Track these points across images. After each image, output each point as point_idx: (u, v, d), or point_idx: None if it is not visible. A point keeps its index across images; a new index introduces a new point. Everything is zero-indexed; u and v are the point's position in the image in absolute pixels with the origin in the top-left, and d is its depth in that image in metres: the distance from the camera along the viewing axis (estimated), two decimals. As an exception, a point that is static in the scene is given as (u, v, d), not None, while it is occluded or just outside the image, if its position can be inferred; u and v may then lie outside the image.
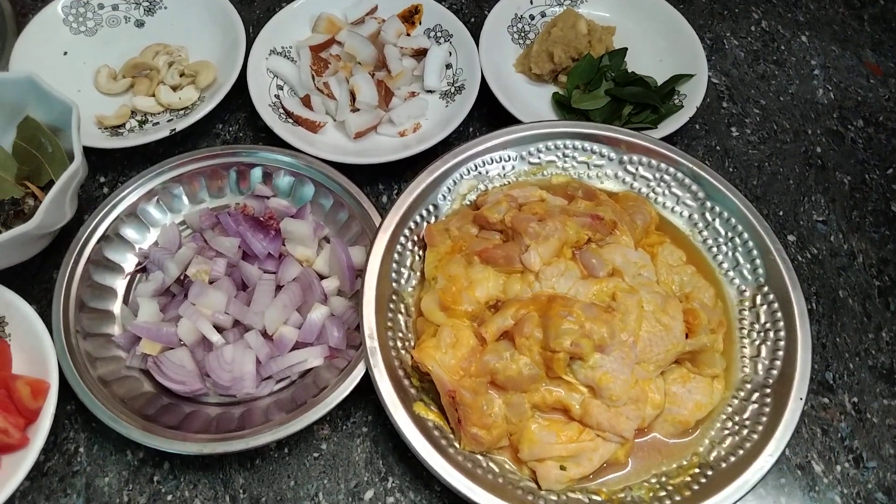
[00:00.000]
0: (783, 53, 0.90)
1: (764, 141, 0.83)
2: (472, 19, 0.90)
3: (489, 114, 0.81)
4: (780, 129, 0.84)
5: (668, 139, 0.76)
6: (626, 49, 0.83)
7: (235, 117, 0.81)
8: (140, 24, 0.85)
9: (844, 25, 0.93)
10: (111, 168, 0.77)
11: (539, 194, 0.71)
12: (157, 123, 0.78)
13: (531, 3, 0.87)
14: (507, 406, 0.59)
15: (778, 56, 0.90)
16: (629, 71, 0.82)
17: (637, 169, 0.74)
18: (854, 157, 0.82)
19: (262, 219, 0.70)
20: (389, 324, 0.64)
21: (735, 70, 0.88)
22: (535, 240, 0.64)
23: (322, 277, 0.68)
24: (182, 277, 0.66)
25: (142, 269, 0.69)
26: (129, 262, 0.70)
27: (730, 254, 0.70)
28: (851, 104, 0.86)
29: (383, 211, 0.69)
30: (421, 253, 0.69)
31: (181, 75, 0.80)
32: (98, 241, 0.68)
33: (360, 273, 0.66)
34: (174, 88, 0.79)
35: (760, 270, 0.67)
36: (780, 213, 0.78)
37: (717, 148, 0.82)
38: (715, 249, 0.71)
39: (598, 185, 0.75)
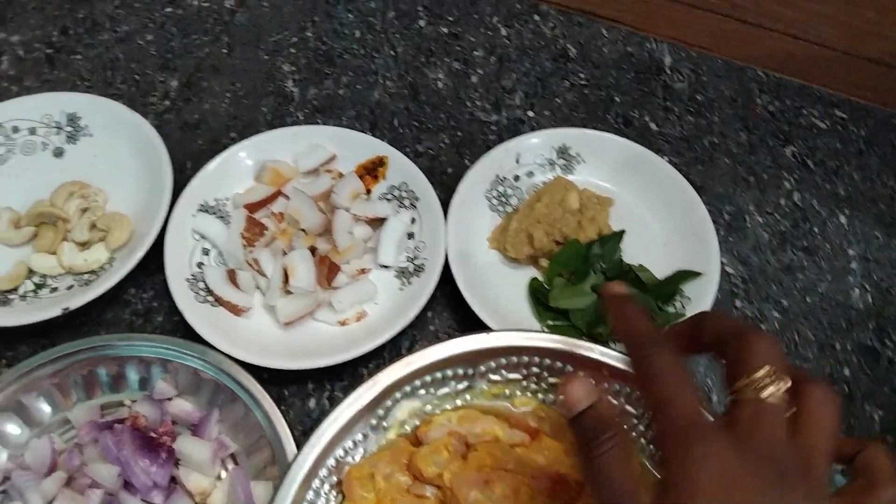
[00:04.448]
0: (816, 238, 0.79)
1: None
2: (450, 169, 0.80)
3: (453, 294, 0.70)
4: (802, 341, 0.72)
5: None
6: (622, 233, 0.73)
7: (152, 281, 0.71)
8: (59, 153, 0.77)
9: (893, 204, 0.82)
10: (-4, 339, 0.67)
11: (493, 432, 0.60)
12: (56, 289, 0.69)
13: (517, 161, 0.76)
14: None
15: (809, 241, 0.78)
16: (623, 261, 0.71)
17: (620, 401, 0.62)
18: (890, 385, 0.71)
19: (154, 434, 0.60)
20: None
21: (755, 257, 0.77)
22: (476, 513, 0.53)
23: (218, 516, 0.58)
24: (48, 512, 0.57)
25: (3, 492, 0.59)
26: (-6, 473, 0.60)
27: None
28: (893, 312, 0.74)
29: (302, 434, 0.59)
30: (341, 500, 0.58)
31: (92, 227, 0.70)
32: (-42, 446, 0.59)
33: (261, 521, 0.56)
34: (82, 245, 0.69)
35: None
36: (795, 457, 0.65)
37: (724, 362, 0.70)
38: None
39: (571, 416, 0.63)
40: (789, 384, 0.37)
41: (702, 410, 0.37)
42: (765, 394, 0.36)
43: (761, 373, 0.37)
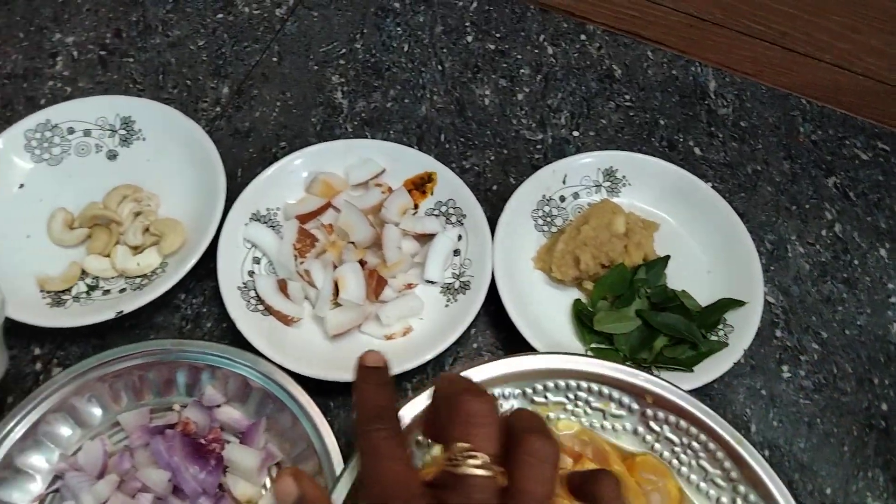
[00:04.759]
0: (856, 270, 0.79)
1: (819, 388, 0.71)
2: (495, 186, 0.80)
3: (497, 312, 0.71)
4: (840, 375, 0.72)
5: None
6: (667, 258, 0.73)
7: (202, 287, 0.72)
8: (112, 155, 0.77)
9: (933, 239, 0.82)
10: (49, 338, 0.68)
11: (537, 454, 0.61)
12: (109, 292, 0.70)
13: (563, 182, 0.77)
14: None
15: (849, 273, 0.78)
16: (668, 287, 0.71)
17: (662, 428, 0.63)
18: (928, 422, 0.70)
19: (203, 441, 0.61)
20: None
21: (796, 287, 0.77)
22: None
23: (264, 525, 0.59)
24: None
25: (56, 490, 0.60)
26: (44, 474, 0.61)
27: (761, 561, 0.58)
28: (932, 348, 0.74)
29: (346, 446, 0.60)
30: (385, 515, 0.59)
31: (145, 231, 0.71)
32: (12, 445, 0.59)
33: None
34: (135, 249, 0.70)
35: None
36: (828, 490, 0.66)
37: (763, 392, 0.71)
38: (744, 552, 0.59)
39: (613, 440, 0.64)
40: (488, 458, 0.35)
41: (411, 490, 0.36)
42: (461, 470, 0.35)
43: (460, 446, 0.35)
